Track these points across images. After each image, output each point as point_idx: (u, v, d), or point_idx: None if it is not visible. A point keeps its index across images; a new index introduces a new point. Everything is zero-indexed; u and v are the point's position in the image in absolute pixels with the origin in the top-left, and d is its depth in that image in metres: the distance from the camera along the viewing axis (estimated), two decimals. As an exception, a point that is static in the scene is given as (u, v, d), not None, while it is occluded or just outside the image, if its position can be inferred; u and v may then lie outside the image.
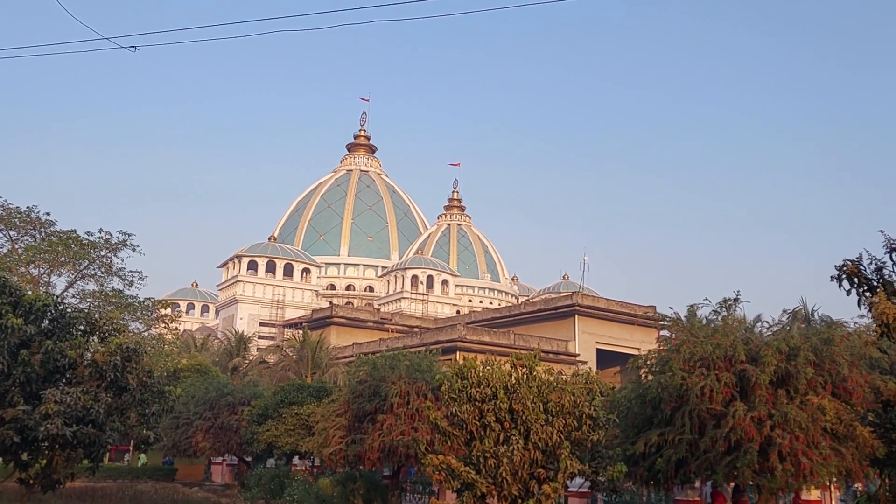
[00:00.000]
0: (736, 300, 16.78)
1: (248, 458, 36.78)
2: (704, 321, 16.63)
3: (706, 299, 16.90)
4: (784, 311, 17.93)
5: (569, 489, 20.50)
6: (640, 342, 53.32)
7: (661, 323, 17.89)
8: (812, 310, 35.71)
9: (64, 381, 14.09)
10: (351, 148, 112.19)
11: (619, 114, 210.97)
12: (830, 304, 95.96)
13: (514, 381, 14.80)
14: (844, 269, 9.34)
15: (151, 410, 15.17)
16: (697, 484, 19.43)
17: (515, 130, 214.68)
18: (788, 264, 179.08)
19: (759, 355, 14.71)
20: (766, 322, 17.41)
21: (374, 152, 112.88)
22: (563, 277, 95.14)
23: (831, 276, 9.75)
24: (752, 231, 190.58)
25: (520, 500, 13.97)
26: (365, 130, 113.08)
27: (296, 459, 34.86)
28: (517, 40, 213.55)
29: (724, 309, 16.71)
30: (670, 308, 17.56)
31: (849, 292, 9.52)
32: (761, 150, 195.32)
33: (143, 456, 44.34)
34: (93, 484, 29.35)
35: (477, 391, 14.60)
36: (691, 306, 17.30)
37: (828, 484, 17.25)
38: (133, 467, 42.89)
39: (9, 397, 13.65)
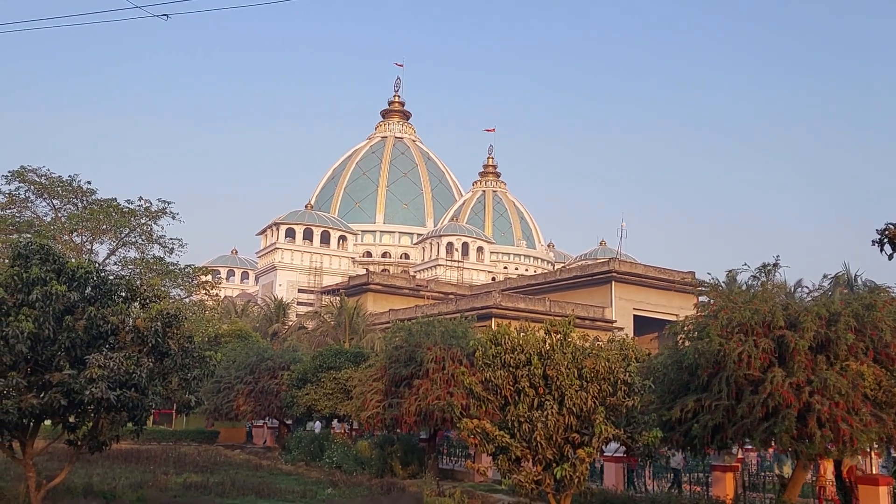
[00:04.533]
0: (775, 265, 16.48)
1: (289, 422, 37.45)
2: (743, 287, 16.38)
3: (745, 265, 16.64)
4: (825, 277, 17.53)
5: (604, 454, 20.55)
6: (678, 308, 52.84)
7: (700, 289, 17.70)
8: (855, 275, 34.92)
9: (107, 346, 14.35)
10: (385, 114, 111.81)
11: (656, 78, 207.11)
12: (875, 269, 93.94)
13: (548, 348, 14.81)
14: (886, 232, 9.06)
15: (193, 375, 15.38)
16: (735, 449, 19.30)
17: (551, 96, 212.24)
18: (833, 229, 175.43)
19: (798, 321, 14.48)
20: (807, 287, 17.09)
21: (408, 119, 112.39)
22: (600, 244, 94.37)
23: (872, 241, 9.47)
24: (796, 195, 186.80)
25: (554, 464, 14.06)
26: (399, 96, 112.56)
27: (335, 423, 35.45)
28: (552, 2, 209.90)
29: (763, 274, 16.43)
30: (709, 274, 17.33)
31: (891, 256, 9.24)
32: (803, 114, 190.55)
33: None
34: (137, 446, 30.17)
35: (511, 357, 14.65)
36: (730, 272, 17.06)
37: (868, 450, 17.02)
38: (176, 430, 43.92)
39: (55, 362, 13.98)
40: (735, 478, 19.26)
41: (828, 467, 19.11)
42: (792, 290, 16.87)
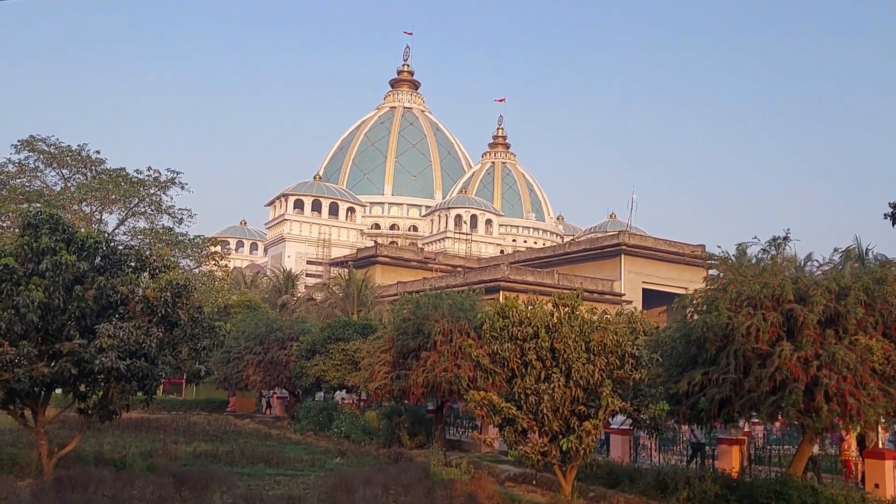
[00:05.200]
0: (786, 239, 16.35)
1: (298, 392, 37.74)
2: (753, 260, 16.28)
3: (755, 238, 16.52)
4: (836, 251, 17.41)
5: (610, 426, 20.63)
6: (687, 282, 52.65)
7: (709, 262, 17.60)
8: (866, 249, 34.66)
9: (117, 316, 14.44)
10: (394, 84, 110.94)
11: (668, 47, 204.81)
12: (887, 243, 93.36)
13: (555, 321, 14.81)
14: (899, 206, 9.00)
15: (202, 345, 15.47)
16: (742, 423, 19.30)
17: (562, 66, 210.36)
18: (845, 202, 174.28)
19: (807, 295, 14.40)
20: (817, 261, 16.99)
21: (417, 88, 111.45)
22: (610, 216, 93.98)
23: (885, 214, 9.41)
24: (807, 168, 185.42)
25: (560, 436, 14.12)
26: (408, 66, 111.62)
27: (343, 393, 35.67)
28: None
29: (773, 248, 16.32)
30: (719, 247, 17.24)
31: (903, 230, 9.18)
32: (813, 87, 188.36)
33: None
34: (147, 415, 30.44)
35: (518, 330, 14.67)
36: (740, 245, 16.96)
37: (875, 424, 17.01)
38: (186, 399, 44.29)
39: (65, 331, 14.09)
40: (741, 451, 19.33)
41: (852, 443, 19.16)
42: (802, 263, 16.77)
